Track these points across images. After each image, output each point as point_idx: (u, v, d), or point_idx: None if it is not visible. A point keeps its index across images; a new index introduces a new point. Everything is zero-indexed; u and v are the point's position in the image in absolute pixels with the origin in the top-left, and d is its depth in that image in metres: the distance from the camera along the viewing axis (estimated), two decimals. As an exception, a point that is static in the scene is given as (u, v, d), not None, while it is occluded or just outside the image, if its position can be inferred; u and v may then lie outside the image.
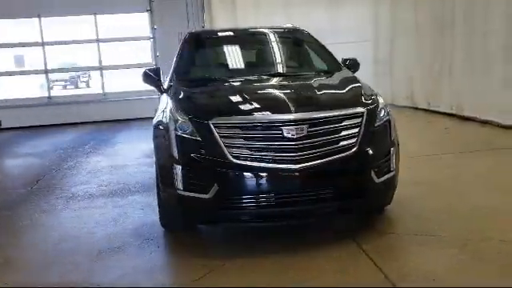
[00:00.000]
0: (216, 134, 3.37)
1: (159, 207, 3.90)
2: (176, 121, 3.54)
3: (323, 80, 4.34)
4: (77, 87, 21.53)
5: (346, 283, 3.00)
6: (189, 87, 4.11)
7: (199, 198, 3.40)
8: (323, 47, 4.96)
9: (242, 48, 5.00)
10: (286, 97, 3.63)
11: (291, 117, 3.36)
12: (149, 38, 11.66)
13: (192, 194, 3.44)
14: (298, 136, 3.33)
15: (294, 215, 3.48)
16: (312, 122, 3.38)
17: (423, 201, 4.40)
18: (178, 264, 3.53)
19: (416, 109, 10.41)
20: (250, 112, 3.50)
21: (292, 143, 3.33)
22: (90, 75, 21.77)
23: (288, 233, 3.84)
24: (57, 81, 17.73)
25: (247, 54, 5.02)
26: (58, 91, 16.85)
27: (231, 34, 5.26)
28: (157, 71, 4.62)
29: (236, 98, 3.73)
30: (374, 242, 3.56)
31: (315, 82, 4.19)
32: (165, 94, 4.41)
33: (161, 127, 3.75)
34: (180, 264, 3.51)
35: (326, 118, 3.43)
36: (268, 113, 3.45)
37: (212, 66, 4.88)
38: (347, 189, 3.48)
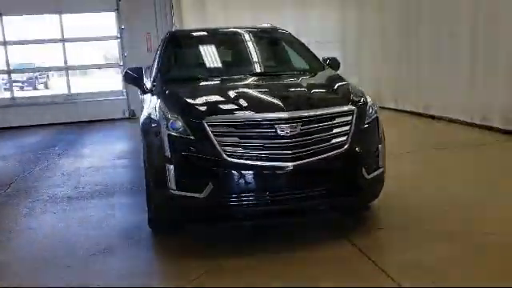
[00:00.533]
0: (210, 132, 3.37)
1: (148, 208, 3.85)
2: (167, 120, 3.51)
3: (310, 79, 4.41)
4: (35, 88, 20.93)
5: (348, 285, 3.04)
6: (177, 86, 4.07)
7: (193, 197, 3.39)
8: (304, 46, 5.03)
9: (226, 47, 5.00)
10: (278, 95, 3.66)
11: (285, 115, 3.39)
12: (116, 38, 11.44)
13: (185, 194, 3.41)
14: (292, 134, 3.36)
15: (289, 213, 3.51)
16: (305, 120, 3.42)
17: (403, 195, 4.53)
18: (171, 265, 3.48)
19: (383, 108, 10.66)
20: (243, 110, 3.50)
21: (286, 141, 3.36)
22: (48, 76, 21.22)
23: (276, 233, 3.85)
24: (14, 82, 17.19)
25: (232, 53, 5.03)
26: (17, 92, 16.29)
27: (213, 33, 5.25)
28: (139, 71, 4.58)
29: (228, 97, 3.72)
30: (367, 239, 3.63)
31: (303, 80, 4.24)
32: (149, 94, 4.38)
33: (151, 127, 3.71)
34: (174, 265, 3.47)
35: (318, 115, 3.48)
36: (261, 111, 3.46)
37: (198, 65, 4.84)
38: (340, 186, 3.54)
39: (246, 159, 3.35)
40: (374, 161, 3.70)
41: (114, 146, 8.69)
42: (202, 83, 4.25)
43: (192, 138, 3.42)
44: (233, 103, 3.61)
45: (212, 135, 3.36)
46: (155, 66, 4.63)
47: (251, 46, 4.94)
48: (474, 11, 7.73)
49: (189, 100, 3.67)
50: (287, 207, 3.43)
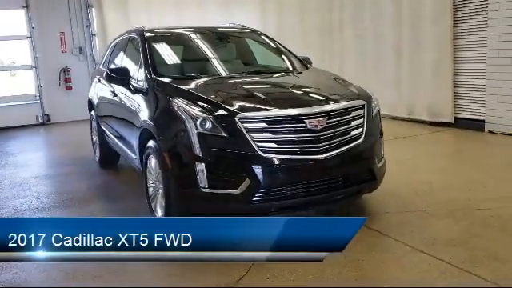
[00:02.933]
0: (243, 129, 3.42)
1: (169, 209, 3.74)
2: (195, 118, 3.47)
3: (310, 76, 4.60)
4: None
5: (393, 264, 3.29)
6: (186, 85, 4.02)
7: (228, 193, 3.41)
8: (283, 46, 5.22)
9: (213, 46, 4.99)
10: (297, 91, 3.80)
11: (313, 110, 3.56)
12: (26, 38, 10.59)
13: (219, 191, 3.42)
14: (320, 128, 3.54)
15: (320, 203, 3.69)
16: (330, 114, 3.61)
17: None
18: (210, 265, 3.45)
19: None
20: (273, 107, 3.58)
21: (315, 135, 3.52)
22: None
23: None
24: None
25: (222, 52, 5.03)
26: None
27: (195, 31, 5.20)
28: (125, 71, 4.45)
29: (250, 94, 3.79)
30: (379, 222, 3.92)
31: (306, 77, 4.42)
32: (138, 95, 4.27)
33: (168, 127, 3.63)
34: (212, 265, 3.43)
35: (340, 109, 3.69)
36: (290, 107, 3.58)
37: (192, 63, 4.78)
38: (360, 174, 3.80)
39: (279, 153, 3.45)
40: (380, 151, 4.01)
41: (45, 153, 8.13)
42: (211, 81, 4.22)
43: (224, 135, 3.44)
44: (261, 100, 3.68)
45: (245, 132, 3.42)
46: (143, 64, 4.46)
47: (237, 45, 5.01)
48: (397, 12, 8.49)
49: (214, 98, 3.66)
50: (319, 197, 3.60)
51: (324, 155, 3.52)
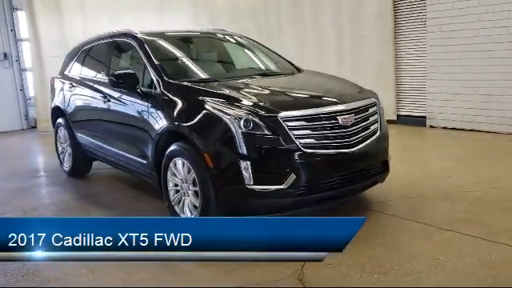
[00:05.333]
0: (286, 127, 3.62)
1: (206, 206, 3.79)
2: (240, 119, 3.61)
3: (316, 77, 4.90)
4: None
5: (425, 242, 3.68)
6: (211, 87, 4.11)
7: (274, 189, 3.59)
8: (271, 50, 5.48)
9: (210, 49, 5.09)
10: (321, 90, 4.09)
11: (343, 107, 3.86)
12: None
13: (265, 187, 3.59)
14: (350, 123, 3.85)
15: (351, 192, 4.02)
16: (356, 111, 3.94)
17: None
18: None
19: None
20: (311, 105, 3.82)
21: (345, 130, 3.82)
22: None
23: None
24: None
25: (222, 55, 5.13)
26: None
27: (188, 35, 5.23)
28: (133, 76, 4.43)
29: (284, 93, 4.03)
30: (390, 209, 4.32)
31: (312, 78, 4.70)
32: (151, 100, 4.29)
33: (213, 128, 3.72)
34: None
35: (363, 106, 4.04)
36: (324, 105, 3.85)
37: (200, 66, 4.79)
38: (379, 165, 4.17)
39: (318, 148, 3.70)
40: (388, 145, 4.42)
41: (14, 162, 7.53)
42: (233, 83, 4.32)
43: (267, 133, 3.61)
44: (297, 99, 3.91)
45: (287, 129, 3.62)
46: (151, 70, 4.44)
47: (233, 49, 5.17)
48: (338, 16, 9.11)
49: (249, 99, 3.81)
50: (352, 187, 3.91)
51: (354, 149, 3.83)
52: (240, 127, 3.59)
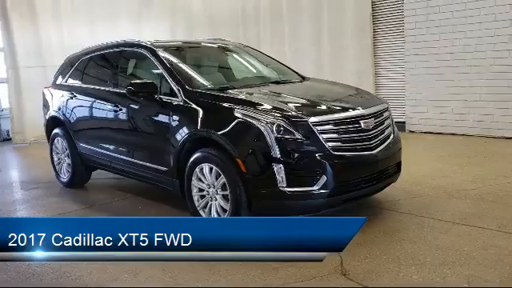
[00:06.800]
0: (316, 131, 3.82)
1: (237, 210, 3.92)
2: (272, 124, 3.77)
3: (325, 84, 5.15)
4: None
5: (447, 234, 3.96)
6: (237, 95, 4.26)
7: (307, 190, 3.77)
8: (273, 58, 5.69)
9: (222, 58, 5.24)
10: (340, 96, 4.34)
11: (365, 112, 4.10)
12: None
13: (298, 189, 3.76)
14: (371, 127, 4.10)
15: (372, 193, 4.26)
16: (375, 115, 4.19)
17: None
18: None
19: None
20: (337, 110, 4.04)
21: (367, 133, 4.07)
22: None
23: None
24: None
25: (234, 64, 5.28)
26: None
27: (198, 45, 5.36)
28: (153, 86, 4.52)
29: (309, 100, 4.24)
30: (403, 207, 4.60)
31: (322, 85, 4.95)
32: (172, 108, 4.38)
33: (246, 134, 3.86)
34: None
35: (379, 111, 4.31)
36: (347, 110, 4.08)
37: (218, 74, 4.93)
38: (396, 166, 4.44)
39: (344, 151, 3.92)
40: (400, 147, 4.69)
41: None
42: (256, 91, 4.47)
43: (298, 137, 3.79)
44: (323, 104, 4.11)
45: (317, 133, 3.82)
46: (170, 80, 4.54)
47: (241, 58, 5.34)
48: (317, 27, 9.45)
49: (278, 105, 3.99)
50: (374, 187, 4.15)
51: (375, 151, 4.08)
52: (273, 132, 3.75)
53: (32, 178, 6.88)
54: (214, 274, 3.42)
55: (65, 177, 6.15)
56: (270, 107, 3.97)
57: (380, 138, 4.19)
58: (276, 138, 3.75)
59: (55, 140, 6.21)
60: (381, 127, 4.24)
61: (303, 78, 5.34)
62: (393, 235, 3.99)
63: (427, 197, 4.91)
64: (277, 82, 4.98)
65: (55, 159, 6.30)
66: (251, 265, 3.44)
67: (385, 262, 3.47)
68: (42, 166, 7.57)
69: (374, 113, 4.20)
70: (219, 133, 3.98)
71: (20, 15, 9.67)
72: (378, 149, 4.12)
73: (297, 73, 5.47)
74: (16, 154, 9.26)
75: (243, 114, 3.91)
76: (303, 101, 4.27)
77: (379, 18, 8.86)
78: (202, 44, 5.51)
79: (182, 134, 4.29)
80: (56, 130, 6.16)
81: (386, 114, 4.42)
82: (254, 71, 5.37)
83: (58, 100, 6.13)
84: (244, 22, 10.76)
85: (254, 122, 3.84)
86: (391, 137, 4.38)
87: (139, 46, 5.07)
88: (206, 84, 4.61)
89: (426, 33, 8.21)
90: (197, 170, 4.19)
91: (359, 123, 4.03)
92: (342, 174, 3.89)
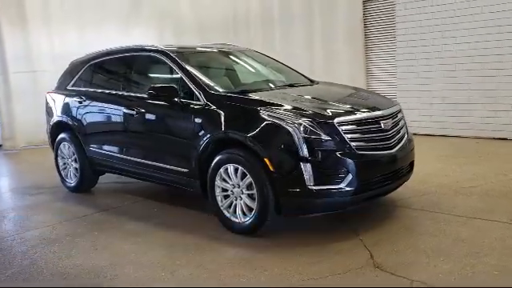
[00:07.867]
0: (341, 131, 3.98)
1: (264, 209, 4.04)
2: (299, 124, 3.91)
3: (337, 86, 5.32)
4: None
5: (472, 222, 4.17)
6: (261, 97, 4.39)
7: (333, 188, 3.92)
8: (281, 62, 5.85)
9: (235, 62, 5.38)
10: (357, 98, 4.51)
11: (383, 112, 4.29)
12: None
13: (325, 187, 3.90)
14: (390, 127, 4.29)
15: (391, 190, 4.42)
16: (392, 116, 4.39)
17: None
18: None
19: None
20: (356, 111, 4.21)
21: (386, 133, 4.25)
22: None
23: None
24: None
25: (247, 68, 5.42)
26: None
27: (208, 50, 5.51)
28: (174, 89, 4.60)
29: (328, 102, 4.41)
30: (416, 204, 4.80)
31: (335, 88, 5.13)
32: (193, 111, 4.48)
33: (274, 134, 3.98)
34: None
35: (395, 112, 4.50)
36: (368, 111, 4.25)
37: (236, 78, 5.04)
38: (410, 164, 4.64)
39: (367, 150, 4.09)
40: (413, 146, 4.89)
41: None
42: (277, 93, 4.62)
43: (324, 137, 3.94)
44: (346, 106, 4.28)
45: (343, 133, 3.98)
46: (189, 82, 4.64)
47: (253, 62, 5.49)
48: (310, 32, 9.66)
49: (303, 106, 4.14)
50: (391, 186, 4.33)
51: (393, 150, 4.27)
52: (300, 132, 3.89)
53: (33, 183, 6.81)
54: (254, 270, 3.53)
55: (72, 181, 6.14)
56: (295, 109, 4.11)
57: (396, 137, 4.38)
58: (303, 138, 3.89)
59: (61, 145, 6.20)
60: (396, 127, 4.43)
61: (312, 82, 5.51)
62: (413, 230, 4.18)
63: (435, 194, 5.13)
64: (291, 85, 5.13)
65: (60, 164, 6.28)
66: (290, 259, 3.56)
67: (413, 255, 3.64)
68: (38, 171, 7.56)
69: (391, 114, 4.40)
70: (246, 134, 4.09)
71: (9, 20, 9.56)
72: (396, 148, 4.31)
73: (305, 76, 5.63)
74: (8, 160, 9.12)
75: (270, 116, 4.04)
76: (323, 102, 4.43)
77: (371, 23, 9.13)
78: (215, 49, 5.61)
79: (204, 136, 4.39)
80: (62, 135, 6.14)
81: (400, 115, 4.63)
82: (267, 75, 5.52)
83: (64, 105, 6.13)
84: (234, 27, 10.89)
85: (281, 123, 3.96)
86: (405, 137, 4.58)
87: (155, 51, 5.14)
88: (226, 87, 4.72)
89: (417, 38, 8.51)
90: (221, 170, 4.29)
91: (379, 123, 4.21)
92: (365, 172, 4.05)
